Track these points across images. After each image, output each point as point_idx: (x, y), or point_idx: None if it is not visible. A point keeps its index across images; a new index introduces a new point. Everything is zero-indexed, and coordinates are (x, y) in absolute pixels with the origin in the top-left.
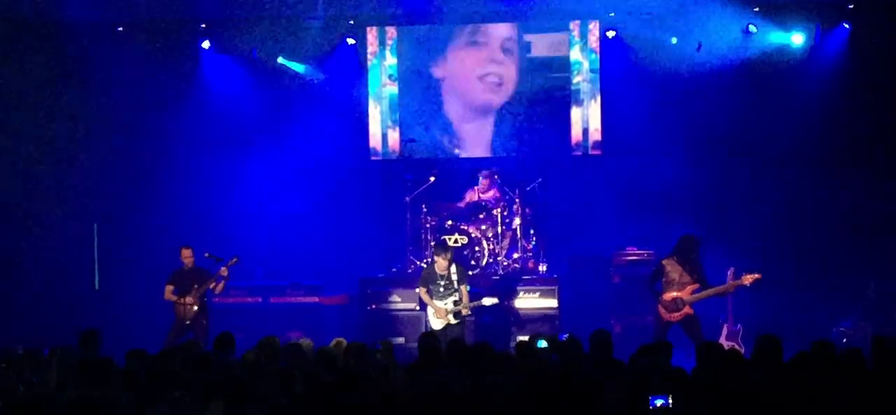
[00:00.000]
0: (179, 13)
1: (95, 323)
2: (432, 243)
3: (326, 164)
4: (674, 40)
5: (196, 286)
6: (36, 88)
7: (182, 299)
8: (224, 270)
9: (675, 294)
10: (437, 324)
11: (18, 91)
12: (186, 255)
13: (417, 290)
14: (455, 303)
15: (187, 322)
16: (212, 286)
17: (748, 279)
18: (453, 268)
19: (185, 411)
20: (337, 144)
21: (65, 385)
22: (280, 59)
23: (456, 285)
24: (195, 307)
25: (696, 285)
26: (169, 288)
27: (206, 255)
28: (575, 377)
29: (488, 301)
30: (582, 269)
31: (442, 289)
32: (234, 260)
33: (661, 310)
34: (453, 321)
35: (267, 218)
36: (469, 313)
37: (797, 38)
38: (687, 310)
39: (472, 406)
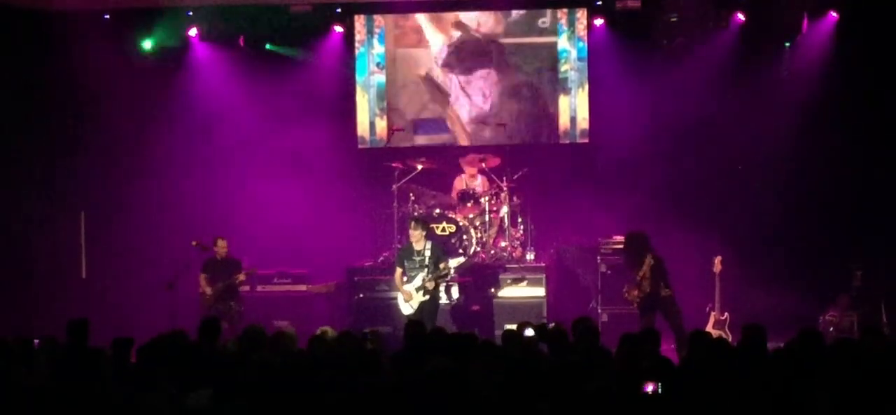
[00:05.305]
0: (167, 0)
1: (82, 312)
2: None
3: (314, 152)
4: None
5: (224, 277)
6: (22, 76)
7: (201, 289)
8: (242, 275)
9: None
10: (407, 309)
11: (4, 78)
12: (221, 245)
13: (395, 272)
14: (423, 279)
15: (209, 311)
16: (237, 280)
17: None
18: (428, 245)
19: (173, 400)
20: (324, 132)
21: (54, 375)
22: (268, 46)
23: (428, 262)
24: (212, 296)
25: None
26: (203, 277)
27: (194, 243)
28: (562, 365)
29: (454, 262)
30: (569, 257)
31: (416, 266)
32: (251, 271)
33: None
34: (424, 298)
35: (254, 206)
36: (448, 273)
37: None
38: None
39: (460, 395)
